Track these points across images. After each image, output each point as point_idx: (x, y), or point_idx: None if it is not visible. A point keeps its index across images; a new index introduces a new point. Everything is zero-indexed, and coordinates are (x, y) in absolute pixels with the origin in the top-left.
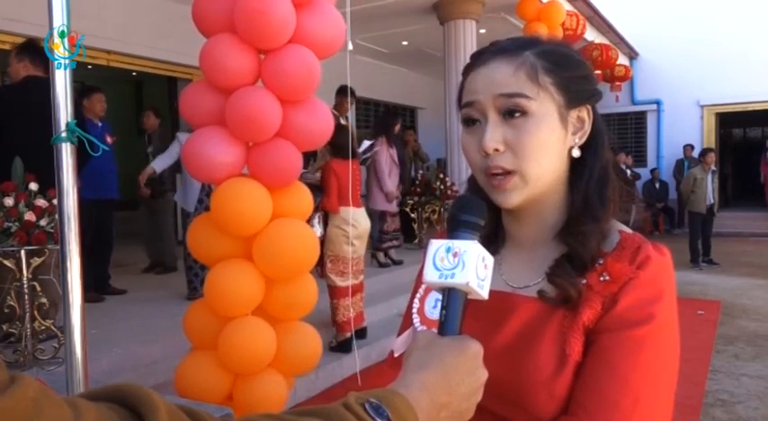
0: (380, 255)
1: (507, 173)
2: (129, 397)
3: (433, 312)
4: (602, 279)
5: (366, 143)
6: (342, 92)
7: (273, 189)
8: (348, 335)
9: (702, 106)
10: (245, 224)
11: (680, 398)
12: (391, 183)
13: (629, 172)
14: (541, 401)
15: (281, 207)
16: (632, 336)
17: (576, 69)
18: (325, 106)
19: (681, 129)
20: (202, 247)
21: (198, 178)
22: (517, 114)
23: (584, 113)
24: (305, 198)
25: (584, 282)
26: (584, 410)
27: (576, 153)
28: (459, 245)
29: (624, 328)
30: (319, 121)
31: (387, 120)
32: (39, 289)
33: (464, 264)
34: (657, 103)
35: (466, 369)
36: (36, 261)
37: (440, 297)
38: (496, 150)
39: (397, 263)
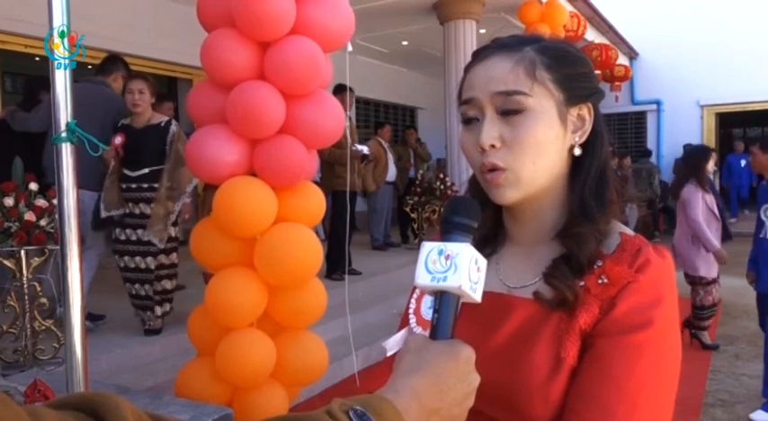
0: (704, 335)
1: (501, 169)
2: (96, 405)
3: (429, 312)
4: (600, 282)
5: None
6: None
7: (279, 189)
8: None
9: (702, 106)
10: (248, 225)
11: (680, 398)
12: (715, 239)
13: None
14: (535, 406)
15: (287, 208)
16: (630, 342)
17: (577, 66)
18: (335, 101)
19: (681, 130)
20: (205, 252)
21: (201, 178)
22: (514, 111)
23: (585, 111)
24: (315, 199)
25: (582, 284)
26: (578, 417)
27: (577, 152)
28: (451, 247)
29: (622, 333)
30: (328, 117)
31: (696, 156)
32: (39, 289)
33: (456, 267)
34: (657, 103)
35: (458, 374)
36: (36, 261)
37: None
38: (493, 146)
39: None
